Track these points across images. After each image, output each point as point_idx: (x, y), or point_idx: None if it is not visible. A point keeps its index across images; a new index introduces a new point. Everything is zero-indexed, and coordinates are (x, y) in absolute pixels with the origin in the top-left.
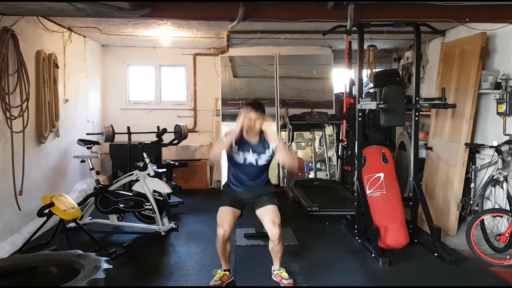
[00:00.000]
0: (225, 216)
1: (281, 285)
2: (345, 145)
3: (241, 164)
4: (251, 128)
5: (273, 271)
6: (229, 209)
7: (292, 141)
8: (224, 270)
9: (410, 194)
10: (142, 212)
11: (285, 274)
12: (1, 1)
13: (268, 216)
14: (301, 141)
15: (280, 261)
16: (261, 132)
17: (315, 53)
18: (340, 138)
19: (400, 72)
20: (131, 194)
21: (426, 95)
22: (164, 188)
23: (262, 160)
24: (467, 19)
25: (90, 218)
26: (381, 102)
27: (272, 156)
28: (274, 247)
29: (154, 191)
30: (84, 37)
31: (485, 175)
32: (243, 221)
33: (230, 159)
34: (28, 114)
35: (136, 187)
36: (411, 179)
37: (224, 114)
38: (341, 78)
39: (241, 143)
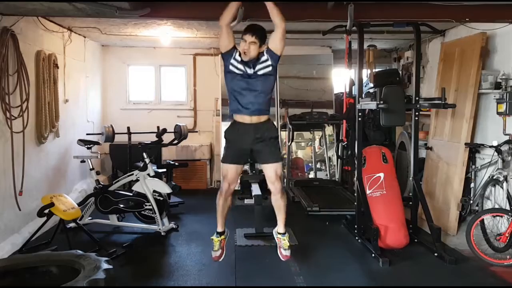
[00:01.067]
0: (229, 170)
1: (278, 252)
2: (345, 145)
3: (240, 75)
4: (245, 52)
5: (277, 232)
6: (232, 166)
7: (292, 141)
8: (220, 235)
9: (410, 194)
10: (142, 212)
11: (286, 242)
12: (1, 1)
13: (271, 169)
14: (301, 141)
15: (283, 220)
16: (259, 55)
17: (315, 53)
18: (340, 138)
19: (400, 72)
20: (131, 194)
21: (426, 95)
22: (164, 188)
23: (261, 70)
24: (467, 19)
25: (90, 218)
26: (381, 102)
27: (271, 67)
28: (277, 200)
29: (154, 191)
30: (84, 37)
31: (485, 175)
32: (243, 221)
33: (230, 72)
34: (28, 114)
35: (136, 187)
36: (411, 179)
37: (224, 114)
38: (341, 78)
39: (240, 59)
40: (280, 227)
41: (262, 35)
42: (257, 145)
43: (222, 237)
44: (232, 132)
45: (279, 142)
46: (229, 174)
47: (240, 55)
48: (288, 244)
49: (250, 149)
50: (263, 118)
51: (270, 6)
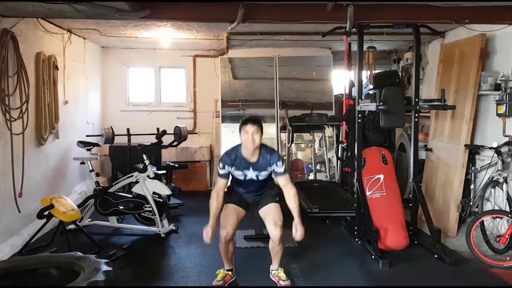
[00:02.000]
0: (229, 216)
1: (278, 286)
2: (345, 147)
3: (241, 180)
4: (249, 142)
5: (271, 270)
6: (234, 208)
7: (292, 142)
8: (227, 270)
9: (410, 196)
10: (142, 214)
11: (282, 275)
12: (1, 2)
13: (270, 216)
14: (301, 142)
15: (279, 261)
16: (261, 148)
17: (315, 54)
18: (340, 140)
19: (400, 74)
20: (131, 196)
21: (426, 97)
22: (164, 190)
23: (263, 176)
24: (466, 21)
25: (89, 220)
26: (381, 103)
27: (271, 172)
28: (274, 247)
29: (154, 193)
30: (84, 38)
31: (485, 176)
32: (243, 223)
33: (233, 174)
34: (27, 116)
35: (135, 189)
36: (411, 180)
37: (223, 116)
38: (340, 80)
39: (239, 162)
40: (274, 265)
41: (260, 124)
42: (258, 201)
43: (229, 272)
44: (234, 191)
45: (278, 196)
46: (228, 221)
47: (234, 164)
48: (285, 275)
49: (251, 202)
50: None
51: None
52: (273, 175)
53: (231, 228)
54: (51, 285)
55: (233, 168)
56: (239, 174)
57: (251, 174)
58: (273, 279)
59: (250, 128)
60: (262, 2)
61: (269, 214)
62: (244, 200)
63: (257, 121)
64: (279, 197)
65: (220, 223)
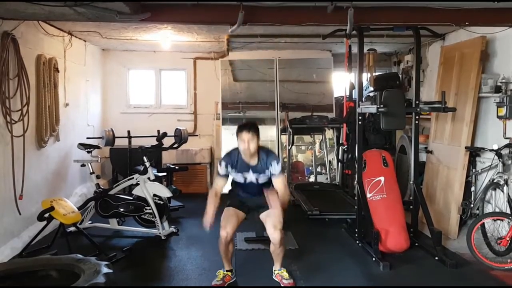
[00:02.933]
0: (229, 218)
1: (282, 285)
2: (346, 149)
3: (241, 183)
4: (246, 149)
5: (274, 271)
6: (234, 211)
7: (292, 144)
8: (227, 271)
9: (411, 198)
10: (142, 216)
11: (285, 274)
12: (2, 5)
13: (270, 220)
14: (301, 144)
15: (281, 262)
16: (259, 152)
17: (315, 56)
18: (341, 142)
19: (400, 76)
20: (131, 198)
21: (426, 99)
22: (164, 192)
23: (263, 179)
24: (466, 23)
25: (90, 222)
26: (381, 105)
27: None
28: (275, 250)
29: (154, 195)
30: (85, 41)
31: (485, 179)
32: (244, 224)
33: (233, 177)
34: (28, 118)
35: (136, 191)
36: (411, 182)
37: (224, 118)
38: (341, 82)
39: (239, 165)
40: (277, 266)
41: (256, 129)
42: (258, 205)
43: (229, 273)
44: (234, 194)
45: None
46: (228, 222)
47: (234, 166)
48: (288, 275)
49: (252, 207)
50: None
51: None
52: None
53: (231, 229)
54: (52, 287)
55: (234, 170)
56: (239, 177)
57: (251, 177)
58: (276, 279)
59: (246, 135)
60: (263, 4)
61: (269, 217)
62: (244, 204)
63: (252, 127)
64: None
65: (220, 224)
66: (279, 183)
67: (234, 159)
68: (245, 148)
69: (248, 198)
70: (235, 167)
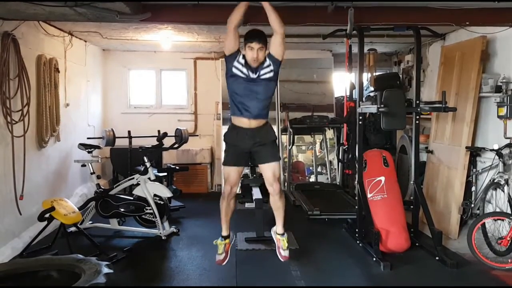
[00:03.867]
0: (231, 173)
1: (277, 253)
2: (346, 149)
3: (243, 79)
4: (254, 58)
5: (276, 232)
6: (232, 168)
7: (293, 144)
8: (224, 238)
9: (411, 198)
10: (143, 216)
11: (285, 243)
12: (2, 5)
13: (269, 170)
14: (302, 144)
15: (282, 221)
16: (264, 59)
17: (316, 56)
18: (341, 142)
19: (401, 76)
20: (132, 198)
21: (427, 99)
22: (165, 192)
23: (264, 75)
24: (467, 23)
25: (90, 222)
26: (382, 105)
27: (273, 72)
28: (275, 202)
29: (155, 195)
30: (85, 41)
31: (486, 179)
32: (244, 225)
33: (233, 76)
34: (29, 119)
35: (136, 191)
36: (412, 182)
37: (224, 118)
38: (341, 82)
39: (244, 62)
40: (279, 228)
41: (265, 39)
42: (256, 148)
43: (227, 240)
44: (231, 135)
45: (278, 144)
46: (230, 176)
47: (244, 57)
48: (287, 245)
49: (249, 152)
50: (262, 122)
51: (269, 11)
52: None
53: (235, 183)
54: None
55: (236, 63)
56: (241, 71)
57: (253, 75)
58: (274, 240)
59: (256, 44)
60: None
61: (268, 169)
62: (241, 152)
63: (263, 36)
64: (277, 149)
65: (223, 178)
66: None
67: (239, 57)
68: (254, 57)
69: (247, 116)
70: (239, 62)
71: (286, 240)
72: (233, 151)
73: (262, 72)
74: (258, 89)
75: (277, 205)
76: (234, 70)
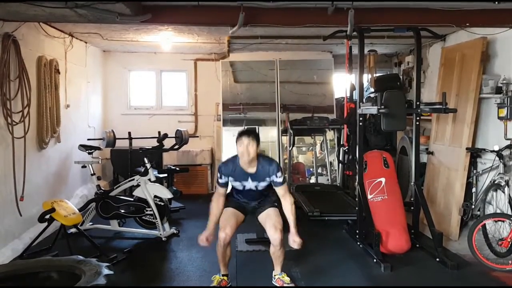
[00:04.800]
0: (228, 219)
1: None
2: (346, 150)
3: (240, 190)
4: (244, 153)
5: (274, 275)
6: (233, 211)
7: (293, 146)
8: (223, 275)
9: (412, 199)
10: (143, 217)
11: (286, 279)
12: (2, 6)
13: (270, 221)
14: (302, 146)
15: (281, 265)
16: (259, 159)
17: (316, 58)
18: (341, 143)
19: (401, 77)
20: (132, 199)
21: (427, 100)
22: (165, 193)
23: (262, 186)
24: (467, 24)
25: (91, 223)
26: (382, 106)
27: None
28: (275, 251)
29: (155, 196)
30: (86, 42)
31: (486, 180)
32: (244, 226)
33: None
34: (29, 120)
35: (137, 193)
36: (412, 183)
37: (225, 119)
38: (341, 83)
39: (237, 174)
40: (277, 270)
41: (255, 135)
42: (257, 207)
43: (225, 278)
44: (232, 200)
45: (277, 201)
46: (228, 223)
47: (232, 175)
48: (289, 279)
49: (251, 209)
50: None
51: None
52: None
53: (230, 231)
54: None
55: (232, 179)
56: (238, 185)
57: (250, 185)
58: (276, 284)
59: (245, 140)
60: (263, 6)
61: (269, 219)
62: (243, 206)
63: (252, 133)
64: (278, 203)
65: (219, 225)
66: (285, 195)
67: (232, 168)
68: (244, 152)
69: (247, 202)
70: (233, 176)
71: (285, 276)
72: (235, 202)
73: (261, 184)
74: (256, 192)
75: (276, 254)
76: (234, 183)
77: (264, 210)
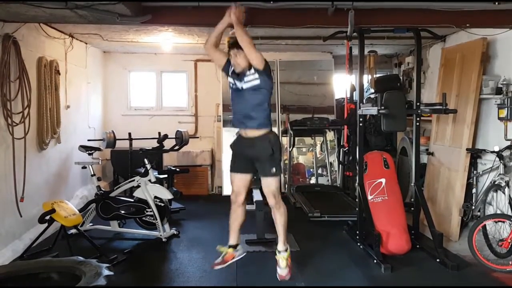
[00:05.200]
0: (235, 180)
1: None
2: (346, 151)
3: (233, 90)
4: (235, 65)
5: (277, 250)
6: (236, 175)
7: (293, 146)
8: (229, 246)
9: (412, 200)
10: (143, 218)
11: (283, 262)
12: (3, 7)
13: (264, 185)
14: (302, 146)
15: (283, 238)
16: (250, 67)
17: (316, 58)
18: (341, 144)
19: (401, 78)
20: (132, 200)
21: (427, 100)
22: (165, 194)
23: (248, 83)
24: (467, 24)
25: (91, 224)
26: (382, 107)
27: (259, 80)
28: (273, 214)
29: (155, 197)
30: (86, 43)
31: (486, 180)
32: (245, 226)
33: (229, 86)
34: (29, 121)
35: (137, 193)
36: (412, 184)
37: (225, 120)
38: (342, 84)
39: (233, 72)
40: (279, 244)
41: (239, 45)
42: (258, 158)
43: (231, 249)
44: (236, 144)
45: (278, 155)
46: (234, 183)
47: (230, 70)
48: (286, 263)
49: (252, 161)
50: (259, 132)
51: (235, 26)
52: (259, 174)
53: (240, 192)
54: None
55: (230, 73)
56: (231, 81)
57: (239, 83)
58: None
59: (233, 51)
60: (263, 6)
61: (263, 184)
62: (245, 158)
63: (235, 43)
64: (277, 163)
65: (231, 188)
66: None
67: (231, 68)
68: (235, 62)
69: (242, 127)
70: (230, 72)
71: (285, 258)
72: (237, 158)
73: (246, 79)
74: (247, 98)
75: (274, 218)
76: (229, 79)
77: (266, 176)
